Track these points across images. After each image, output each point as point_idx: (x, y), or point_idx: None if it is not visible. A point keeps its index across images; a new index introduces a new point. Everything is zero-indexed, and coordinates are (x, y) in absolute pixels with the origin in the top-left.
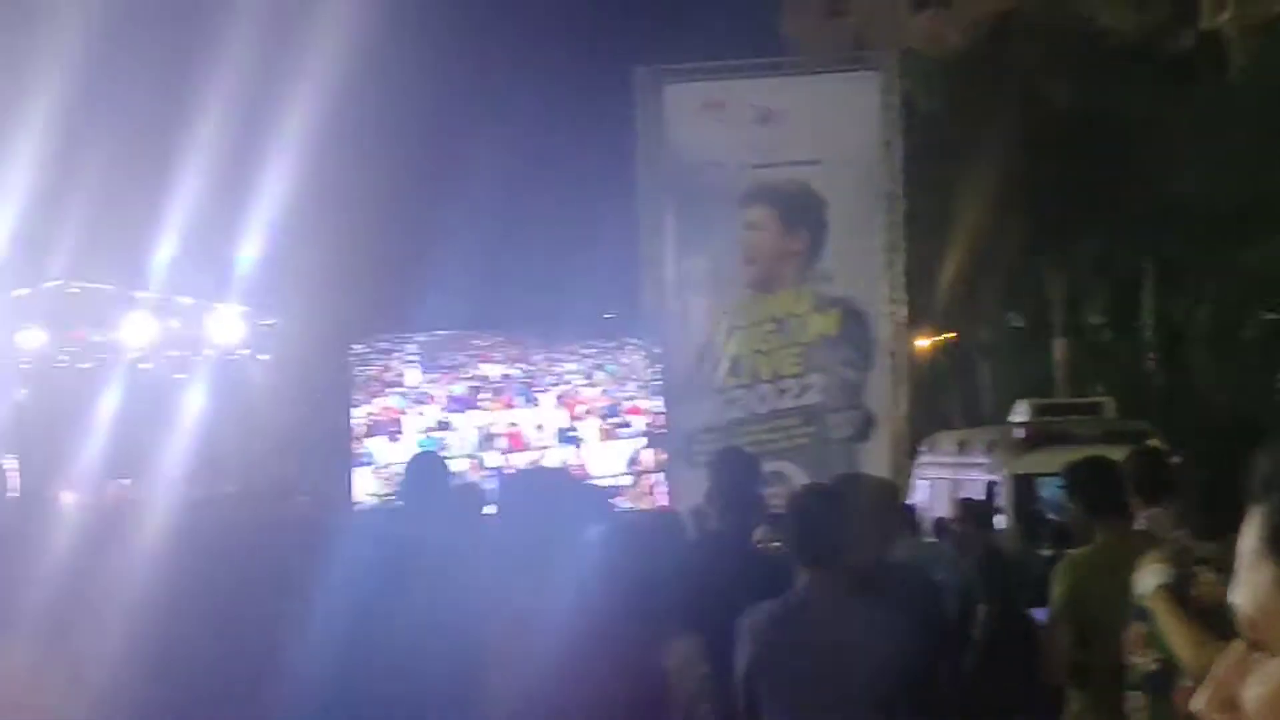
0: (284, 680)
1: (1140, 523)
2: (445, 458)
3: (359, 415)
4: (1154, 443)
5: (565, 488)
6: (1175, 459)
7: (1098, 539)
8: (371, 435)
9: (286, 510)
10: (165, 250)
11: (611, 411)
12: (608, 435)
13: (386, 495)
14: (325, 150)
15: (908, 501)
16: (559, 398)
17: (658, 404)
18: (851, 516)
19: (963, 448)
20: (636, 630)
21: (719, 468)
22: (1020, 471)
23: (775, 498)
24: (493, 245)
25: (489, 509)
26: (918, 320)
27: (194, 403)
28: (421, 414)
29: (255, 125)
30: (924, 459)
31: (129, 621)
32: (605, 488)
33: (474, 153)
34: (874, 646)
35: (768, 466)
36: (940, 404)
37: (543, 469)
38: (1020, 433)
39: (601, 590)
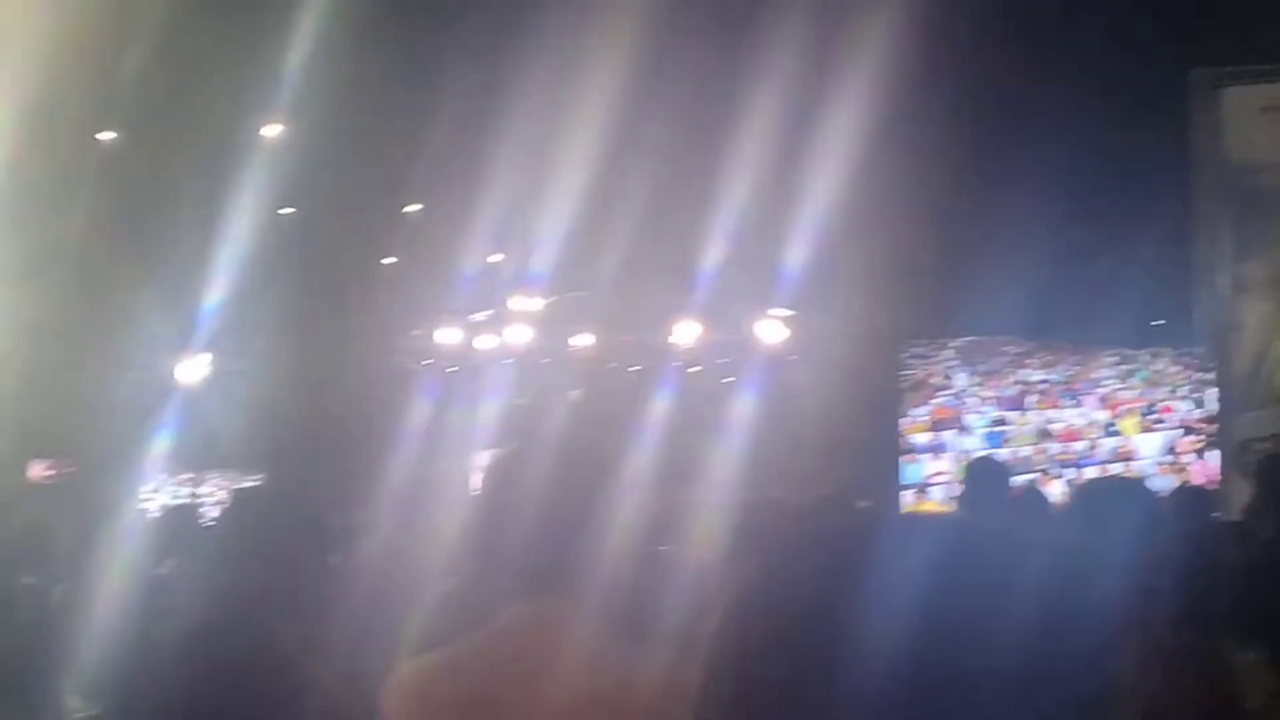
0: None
1: None
2: (1006, 453)
3: (912, 418)
4: None
5: (1137, 498)
6: None
7: None
8: (925, 437)
9: (857, 517)
10: (713, 256)
11: (1149, 410)
12: (1145, 429)
13: (942, 500)
14: (872, 153)
15: None
16: (1100, 399)
17: (1187, 406)
18: None
19: None
20: (1194, 639)
21: (1268, 475)
22: None
23: None
24: (1034, 251)
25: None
26: None
27: (742, 406)
28: (977, 415)
29: (802, 129)
30: None
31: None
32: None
33: (1019, 158)
34: None
35: None
36: None
37: (1115, 479)
38: None
39: (1160, 599)
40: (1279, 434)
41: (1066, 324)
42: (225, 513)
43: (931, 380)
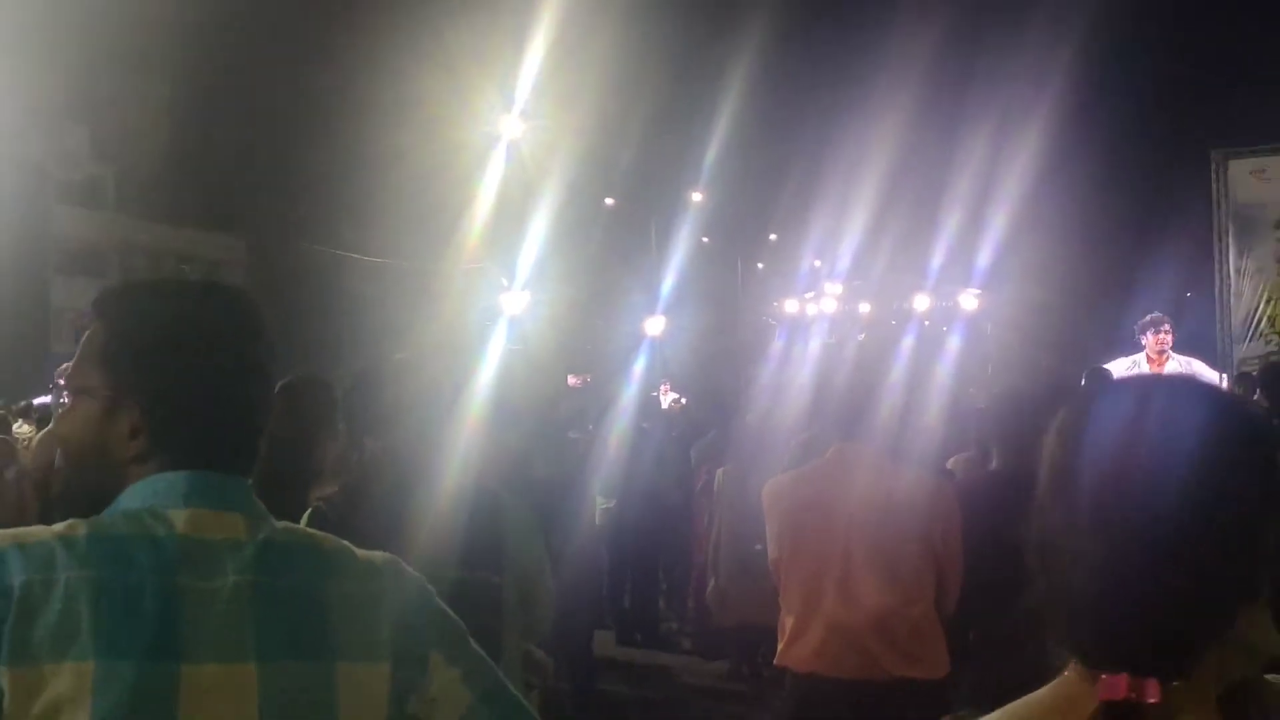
0: None
1: None
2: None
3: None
4: None
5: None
6: None
7: None
8: None
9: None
10: (936, 257)
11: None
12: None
13: None
14: (1024, 200)
15: None
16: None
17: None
18: None
19: None
20: None
21: (1260, 376)
22: None
23: None
24: (1118, 257)
25: None
26: None
27: (952, 343)
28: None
29: (987, 182)
30: None
31: None
32: None
33: (1103, 199)
34: None
35: None
36: None
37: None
38: None
39: None
40: (1261, 356)
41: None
42: (674, 404)
43: None
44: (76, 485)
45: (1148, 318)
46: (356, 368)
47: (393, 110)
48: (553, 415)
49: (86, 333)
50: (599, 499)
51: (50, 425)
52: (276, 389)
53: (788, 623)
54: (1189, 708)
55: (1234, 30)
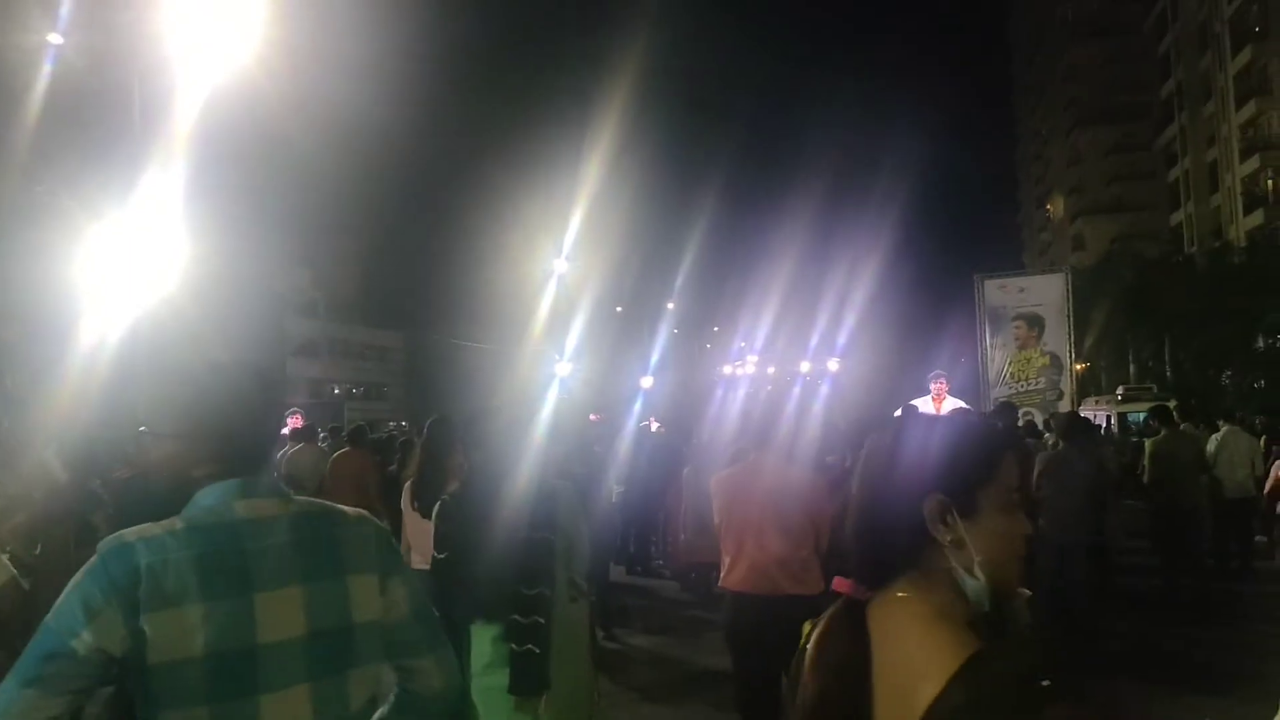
0: None
1: (1182, 429)
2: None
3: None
4: (1171, 404)
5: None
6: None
7: (1162, 433)
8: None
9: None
10: (814, 338)
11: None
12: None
13: None
14: (874, 300)
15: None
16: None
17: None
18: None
19: (1097, 403)
20: None
21: (998, 411)
22: (1120, 411)
23: (1027, 423)
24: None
25: None
26: (1078, 358)
27: (823, 391)
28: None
29: (846, 282)
30: (1081, 407)
31: None
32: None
33: (901, 309)
34: (1082, 469)
35: (1023, 410)
36: (1086, 388)
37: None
38: (1119, 397)
39: None
40: (1006, 397)
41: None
42: (659, 431)
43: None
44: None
45: (932, 374)
46: (469, 410)
47: (491, 251)
48: (585, 437)
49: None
50: (614, 486)
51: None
52: (426, 424)
53: (725, 561)
54: (896, 607)
55: (986, 195)
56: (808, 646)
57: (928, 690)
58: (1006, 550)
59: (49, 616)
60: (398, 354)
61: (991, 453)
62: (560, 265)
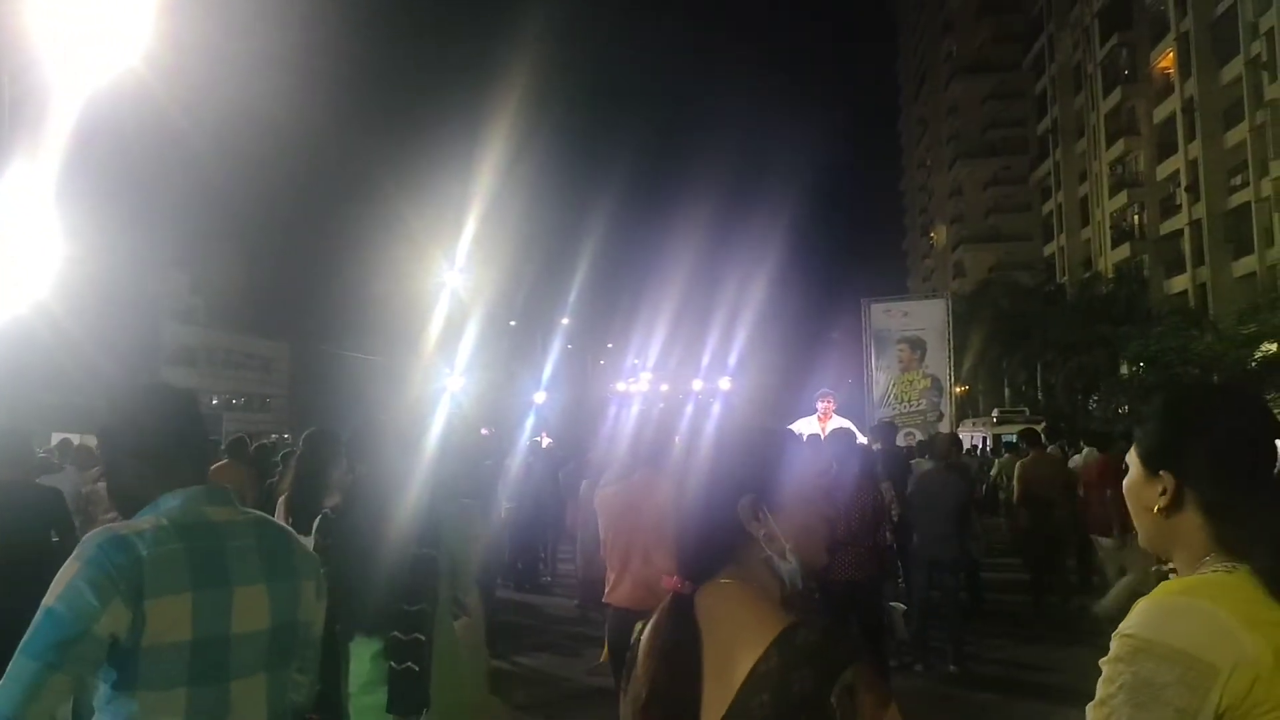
0: None
1: (1049, 450)
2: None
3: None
4: (1040, 427)
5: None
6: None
7: (1030, 455)
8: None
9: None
10: (705, 357)
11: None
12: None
13: None
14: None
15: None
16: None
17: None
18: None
19: (974, 424)
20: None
21: (877, 430)
22: (995, 433)
23: (909, 442)
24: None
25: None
26: (957, 381)
27: (715, 409)
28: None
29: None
30: (960, 428)
31: None
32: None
33: (791, 321)
34: (954, 490)
35: (905, 430)
36: (965, 410)
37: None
38: (994, 419)
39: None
40: (888, 417)
41: (819, 381)
42: (549, 446)
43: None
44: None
45: (819, 393)
46: (356, 422)
47: (382, 261)
48: (475, 452)
49: None
50: (504, 503)
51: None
52: (303, 436)
53: (610, 577)
54: (720, 593)
55: (873, 219)
56: (640, 639)
57: (749, 657)
58: (811, 535)
59: (54, 603)
60: (282, 364)
61: (789, 455)
62: (453, 277)
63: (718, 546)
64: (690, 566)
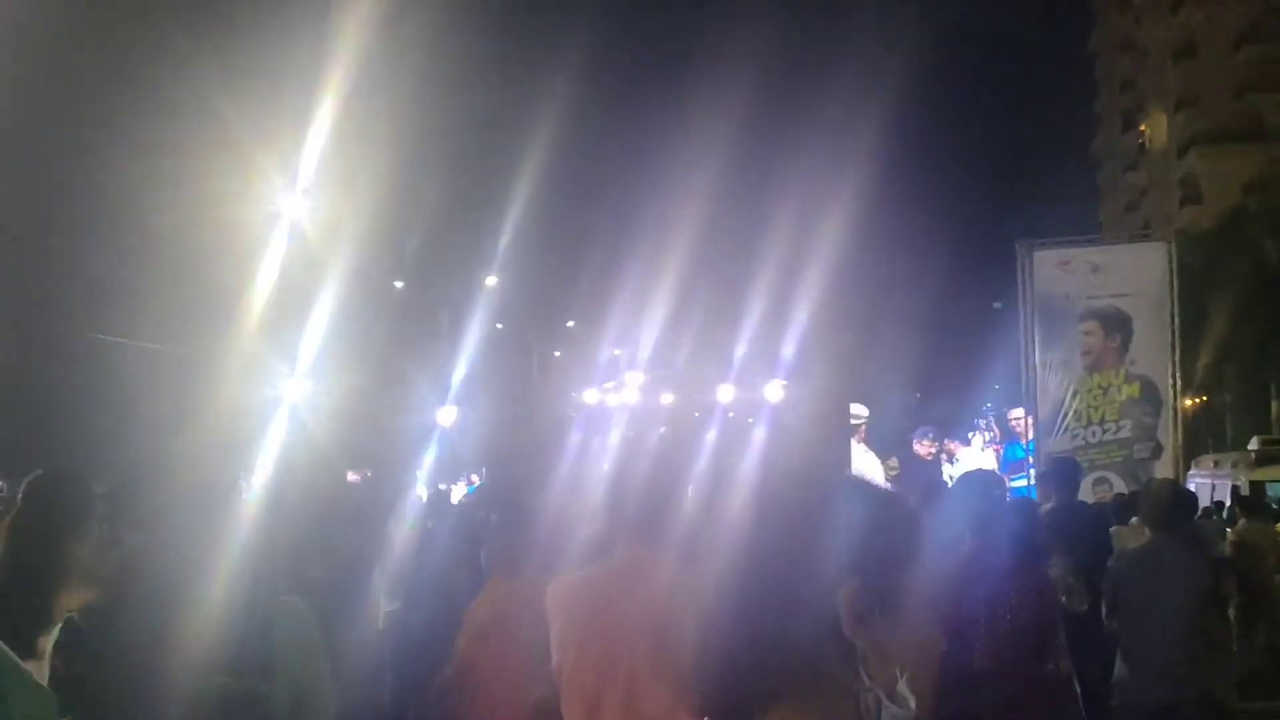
0: None
1: None
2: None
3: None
4: None
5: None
6: None
7: None
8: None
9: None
10: (740, 349)
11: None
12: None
13: None
14: (825, 291)
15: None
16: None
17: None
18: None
19: (1217, 465)
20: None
21: (1050, 474)
22: (1256, 479)
23: (1103, 495)
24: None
25: None
26: (1186, 388)
27: (756, 435)
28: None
29: (790, 280)
30: (1193, 472)
31: None
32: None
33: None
34: (1189, 582)
35: (1096, 474)
36: (1202, 439)
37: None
38: (1254, 455)
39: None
40: (1066, 451)
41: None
42: (465, 499)
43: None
44: None
45: (918, 430)
46: (123, 461)
47: (163, 186)
48: (332, 511)
49: None
50: (382, 601)
51: None
52: (23, 487)
53: None
54: None
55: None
56: None
57: None
58: (926, 658)
59: None
60: None
61: (917, 529)
62: (292, 203)
63: (778, 671)
64: (728, 707)
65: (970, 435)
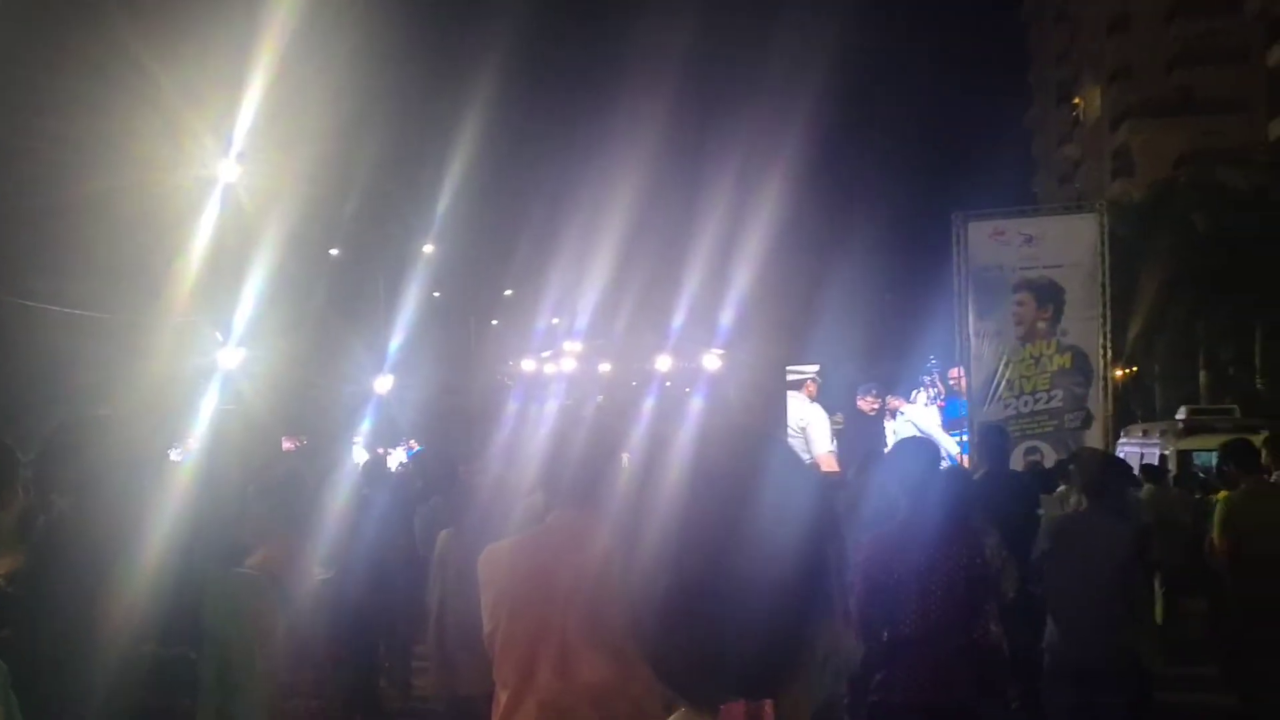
0: None
1: (1273, 478)
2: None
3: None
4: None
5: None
6: None
7: (1242, 486)
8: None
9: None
10: (679, 319)
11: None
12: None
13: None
14: (766, 261)
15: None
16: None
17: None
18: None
19: (1145, 434)
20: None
21: (983, 444)
22: (1183, 448)
23: (1033, 463)
24: (864, 317)
25: None
26: (1116, 359)
27: (693, 405)
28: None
29: (728, 250)
30: (1122, 440)
31: None
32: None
33: (854, 262)
34: (1114, 549)
35: (1028, 444)
36: (1129, 409)
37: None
38: (1181, 425)
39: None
40: (999, 419)
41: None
42: (403, 466)
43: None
44: None
45: (862, 387)
46: (51, 426)
47: (93, 148)
48: (266, 480)
49: None
50: (317, 569)
51: None
52: None
53: (501, 698)
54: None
55: (971, 76)
56: None
57: None
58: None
59: None
60: None
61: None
62: (227, 169)
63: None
64: (765, 671)
65: (914, 392)
